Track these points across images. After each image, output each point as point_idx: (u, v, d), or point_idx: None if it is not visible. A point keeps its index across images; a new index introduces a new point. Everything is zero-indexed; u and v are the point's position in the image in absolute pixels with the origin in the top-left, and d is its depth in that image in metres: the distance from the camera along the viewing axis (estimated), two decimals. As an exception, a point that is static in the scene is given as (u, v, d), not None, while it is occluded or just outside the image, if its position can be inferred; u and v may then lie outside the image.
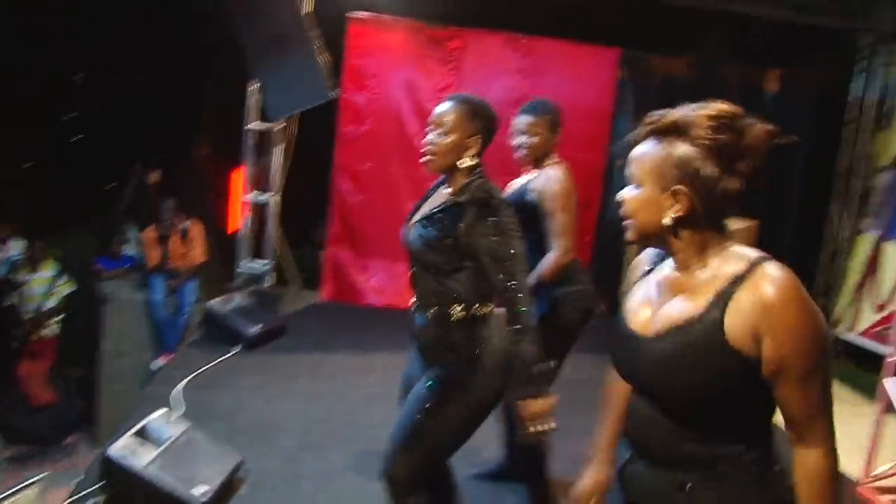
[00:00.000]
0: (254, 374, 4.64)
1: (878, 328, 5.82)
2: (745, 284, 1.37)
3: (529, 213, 2.95)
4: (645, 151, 1.47)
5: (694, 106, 1.43)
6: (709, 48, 6.85)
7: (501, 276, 2.19)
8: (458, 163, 2.31)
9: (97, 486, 3.05)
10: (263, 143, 6.44)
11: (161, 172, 7.07)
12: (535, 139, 3.08)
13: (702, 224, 1.45)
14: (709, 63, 6.77)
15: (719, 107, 1.40)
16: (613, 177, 6.69)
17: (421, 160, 2.34)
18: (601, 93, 6.39)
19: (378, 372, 4.87)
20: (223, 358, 4.82)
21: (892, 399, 3.60)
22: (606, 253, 6.36)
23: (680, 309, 1.46)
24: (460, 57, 6.24)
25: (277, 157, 6.41)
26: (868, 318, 6.09)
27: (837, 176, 6.92)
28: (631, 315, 1.57)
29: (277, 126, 6.29)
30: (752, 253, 1.43)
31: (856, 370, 5.78)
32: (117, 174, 7.73)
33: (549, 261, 3.00)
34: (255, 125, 6.32)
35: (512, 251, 2.20)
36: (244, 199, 6.47)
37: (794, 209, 6.90)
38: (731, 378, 1.39)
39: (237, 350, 4.96)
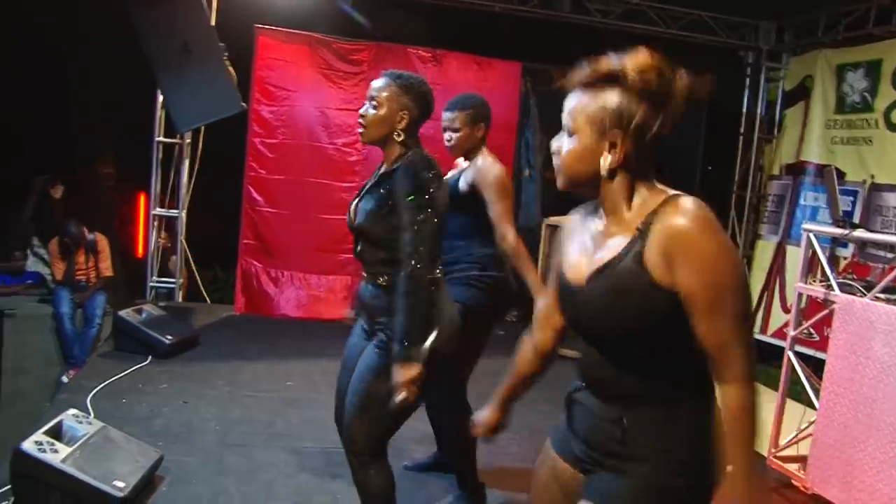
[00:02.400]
0: (169, 381, 4.57)
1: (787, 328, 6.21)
2: (659, 217, 1.42)
3: (461, 202, 3.03)
4: (578, 101, 1.49)
5: (618, 56, 1.45)
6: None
7: (409, 237, 2.26)
8: (392, 135, 2.41)
9: (7, 487, 2.94)
10: (171, 156, 6.37)
11: (65, 188, 6.86)
12: (458, 133, 3.16)
13: (633, 169, 1.49)
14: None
15: (645, 55, 1.44)
16: (521, 185, 6.94)
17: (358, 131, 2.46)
18: (506, 104, 6.63)
19: (295, 378, 4.89)
20: (136, 367, 4.73)
21: (793, 363, 3.88)
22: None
23: (604, 254, 1.51)
24: (369, 70, 6.36)
25: (186, 171, 6.36)
26: (779, 319, 6.46)
27: (734, 185, 7.38)
28: (568, 268, 1.61)
29: (185, 139, 6.24)
30: (670, 190, 1.49)
31: (767, 368, 6.13)
32: (17, 190, 7.44)
33: (508, 250, 3.05)
34: (162, 138, 6.24)
35: (425, 219, 2.27)
36: (152, 213, 6.37)
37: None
38: (659, 314, 1.43)
39: (149, 360, 4.87)
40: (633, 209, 1.49)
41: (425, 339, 2.27)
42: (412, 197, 2.28)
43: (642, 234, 1.44)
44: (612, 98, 1.45)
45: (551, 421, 1.82)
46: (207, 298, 6.62)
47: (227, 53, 5.44)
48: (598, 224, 1.58)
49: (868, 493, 3.28)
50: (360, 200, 2.47)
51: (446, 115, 3.19)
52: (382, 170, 2.46)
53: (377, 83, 2.43)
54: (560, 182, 1.56)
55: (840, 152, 6.39)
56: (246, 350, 5.39)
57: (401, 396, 2.24)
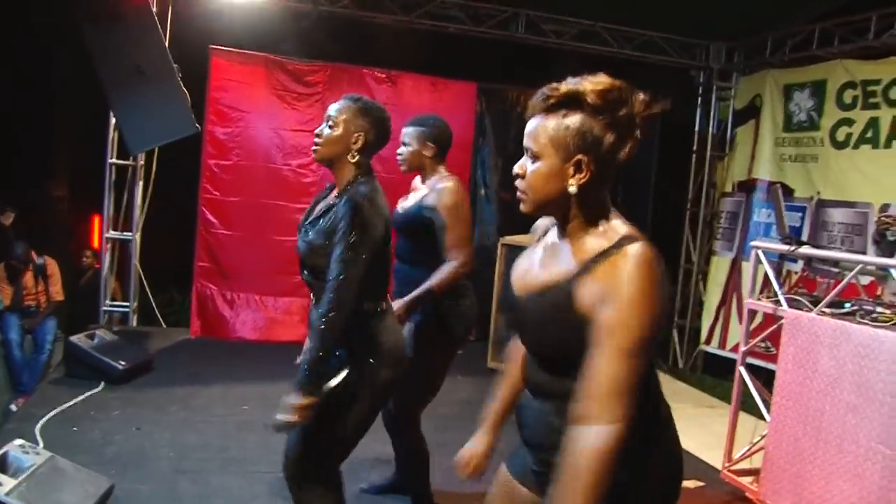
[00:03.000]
0: (122, 408, 4.48)
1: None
2: (607, 259, 1.45)
3: (427, 231, 3.02)
4: (541, 124, 1.51)
5: (578, 79, 1.47)
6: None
7: (338, 265, 2.24)
8: (346, 156, 2.41)
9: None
10: (124, 179, 6.28)
11: (15, 215, 6.71)
12: (408, 148, 3.16)
13: (595, 191, 1.51)
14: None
15: (604, 78, 1.46)
16: (477, 204, 6.98)
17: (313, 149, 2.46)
18: (462, 124, 6.65)
19: (251, 402, 4.82)
20: (88, 394, 4.63)
21: (744, 377, 3.94)
22: (473, 278, 6.56)
23: (548, 274, 1.55)
24: (324, 91, 6.37)
25: (139, 193, 6.27)
26: (737, 334, 6.48)
27: (687, 203, 7.52)
28: (515, 280, 1.66)
29: (139, 161, 6.16)
30: (626, 230, 1.50)
31: (722, 382, 6.22)
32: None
33: (446, 271, 3.00)
34: (115, 160, 6.16)
35: (354, 259, 2.25)
36: (105, 236, 6.27)
37: (647, 232, 7.42)
38: (582, 341, 1.43)
39: (102, 386, 4.77)
40: (590, 236, 1.52)
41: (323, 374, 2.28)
42: (347, 233, 2.26)
43: (585, 269, 1.47)
44: (574, 120, 1.47)
45: (505, 439, 1.82)
46: (162, 322, 6.51)
47: (180, 74, 5.40)
48: (553, 239, 1.61)
49: (817, 503, 3.34)
50: (304, 228, 2.47)
51: (404, 131, 3.19)
52: (332, 195, 2.46)
53: (335, 105, 2.46)
54: (525, 206, 1.57)
55: (789, 169, 6.56)
56: (201, 374, 5.32)
57: (283, 418, 2.23)
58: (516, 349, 1.86)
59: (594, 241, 1.50)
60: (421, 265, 3.05)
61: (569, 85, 1.48)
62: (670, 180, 7.63)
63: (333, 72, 6.42)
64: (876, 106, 5.73)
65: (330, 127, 2.42)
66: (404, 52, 6.73)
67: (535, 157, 1.52)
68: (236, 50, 6.18)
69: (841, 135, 6.04)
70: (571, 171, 1.48)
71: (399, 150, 3.20)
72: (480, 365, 5.57)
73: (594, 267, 1.45)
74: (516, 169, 1.57)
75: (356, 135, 2.41)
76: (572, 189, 1.49)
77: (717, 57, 7.24)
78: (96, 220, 6.61)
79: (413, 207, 3.13)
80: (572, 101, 1.47)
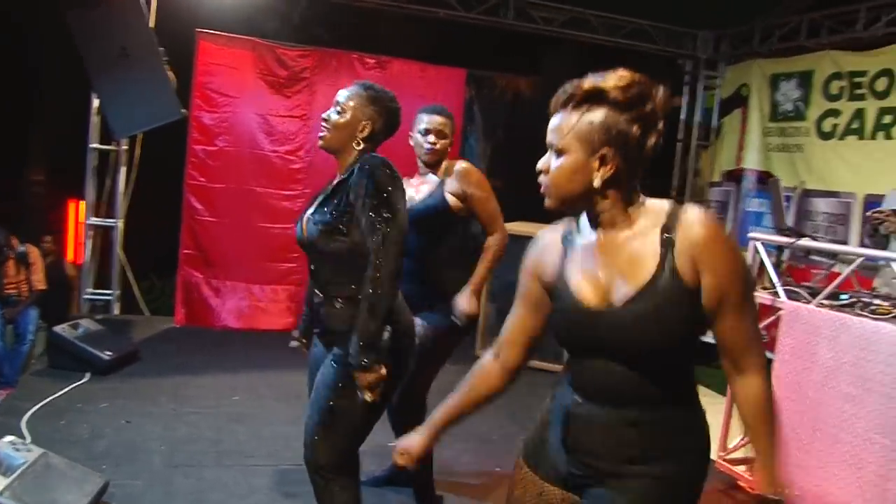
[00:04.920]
0: (110, 399, 4.38)
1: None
2: (678, 226, 1.48)
3: (440, 220, 3.01)
4: (565, 120, 1.52)
5: (601, 75, 1.50)
6: (551, 69, 7.33)
7: (371, 236, 2.20)
8: (352, 143, 2.37)
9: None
10: (107, 164, 6.15)
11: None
12: (446, 140, 3.11)
13: (624, 183, 1.52)
14: (551, 83, 7.21)
15: (626, 73, 1.49)
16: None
17: (319, 135, 2.41)
18: (451, 111, 6.57)
19: (241, 392, 4.78)
20: (74, 385, 4.54)
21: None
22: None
23: (633, 272, 1.51)
24: (312, 76, 6.28)
25: (122, 179, 6.15)
26: None
27: (672, 191, 7.53)
28: (577, 292, 1.58)
29: (122, 146, 6.04)
30: (666, 202, 1.55)
31: (718, 372, 6.26)
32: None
33: (496, 246, 3.07)
34: (97, 145, 6.03)
35: (387, 219, 2.20)
36: (87, 223, 6.14)
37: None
38: (694, 318, 1.49)
39: (88, 378, 4.68)
40: (636, 221, 1.54)
41: (379, 343, 2.21)
42: (372, 198, 2.21)
43: (668, 245, 1.49)
44: (597, 114, 1.49)
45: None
46: (146, 311, 6.41)
47: (166, 58, 5.29)
48: (592, 241, 1.59)
49: (815, 493, 3.38)
50: (311, 212, 2.39)
51: (432, 118, 3.11)
52: (337, 179, 2.39)
53: (345, 90, 2.41)
54: (549, 202, 1.57)
55: (775, 159, 6.62)
56: (189, 364, 5.24)
57: (368, 398, 2.21)
58: (493, 365, 1.81)
59: (650, 222, 1.53)
60: (424, 261, 3.01)
61: (592, 81, 1.50)
62: (652, 169, 7.63)
63: (322, 57, 6.31)
64: (862, 97, 5.79)
65: (338, 112, 2.37)
66: (394, 37, 6.67)
67: (560, 153, 1.53)
68: (223, 34, 6.06)
69: (827, 125, 6.10)
70: (596, 165, 1.50)
71: (431, 139, 3.09)
72: (469, 353, 5.58)
73: (673, 238, 1.49)
74: (540, 165, 1.57)
75: (364, 123, 2.37)
76: (596, 183, 1.50)
77: (705, 46, 7.26)
78: (72, 206, 6.44)
79: (433, 198, 3.05)
80: (596, 97, 1.49)
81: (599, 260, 1.57)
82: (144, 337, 5.80)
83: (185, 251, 6.20)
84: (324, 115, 2.40)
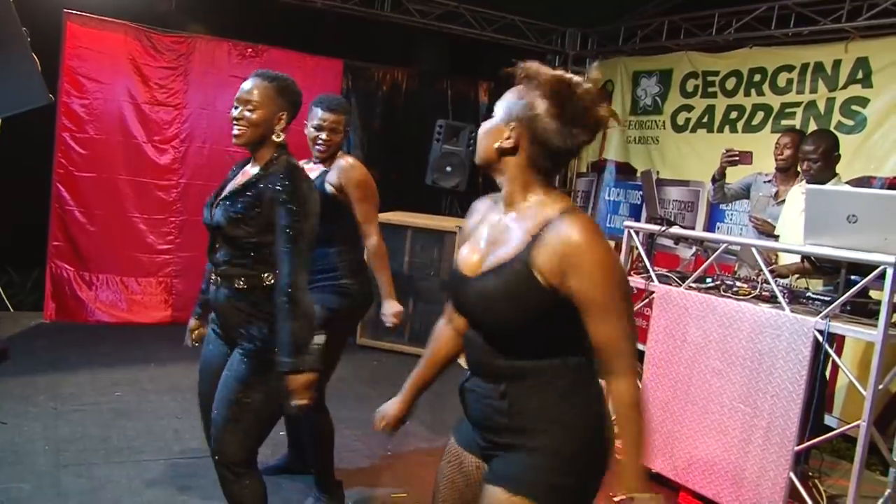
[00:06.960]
0: (-19, 401, 4.18)
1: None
2: (555, 227, 1.58)
3: (327, 206, 3.02)
4: (510, 91, 1.69)
5: (544, 65, 1.65)
6: (426, 61, 7.48)
7: (284, 245, 2.29)
8: (271, 137, 2.42)
9: None
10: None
11: None
12: (337, 137, 3.17)
13: (528, 165, 1.67)
14: (427, 75, 7.39)
15: (564, 73, 1.62)
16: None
17: (233, 133, 2.41)
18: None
19: (123, 387, 4.66)
20: (-62, 389, 4.28)
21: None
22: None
23: (499, 251, 1.67)
24: (187, 63, 6.14)
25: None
26: None
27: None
28: (461, 258, 1.77)
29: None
30: (566, 203, 1.66)
31: None
32: None
33: (373, 247, 3.20)
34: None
35: (301, 224, 2.31)
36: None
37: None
38: (542, 310, 1.60)
39: (-47, 379, 4.43)
40: (530, 206, 1.67)
41: (309, 345, 2.29)
42: (290, 207, 2.29)
43: (535, 240, 1.60)
44: (529, 94, 1.64)
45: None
46: (9, 306, 6.06)
47: (29, 39, 5.00)
48: (497, 216, 1.75)
49: (686, 460, 3.72)
50: (221, 199, 2.43)
51: (326, 115, 3.15)
52: (254, 171, 2.43)
53: (250, 84, 2.41)
54: (476, 157, 1.76)
55: (633, 150, 7.09)
56: (64, 360, 5.04)
57: (301, 403, 2.27)
58: (446, 329, 1.98)
59: (539, 213, 1.64)
60: (321, 245, 3.08)
61: (536, 67, 1.64)
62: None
63: (198, 44, 6.17)
64: (713, 95, 6.30)
65: (250, 110, 2.38)
66: (271, 26, 6.57)
67: (492, 116, 1.72)
68: (94, 16, 5.79)
69: (681, 119, 6.58)
70: (506, 133, 1.66)
71: (323, 136, 3.16)
72: (351, 342, 5.64)
73: (545, 237, 1.58)
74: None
75: (279, 115, 2.41)
76: (496, 145, 1.67)
77: (573, 43, 7.63)
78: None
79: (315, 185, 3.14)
80: (530, 79, 1.64)
81: (488, 233, 1.75)
82: (12, 333, 5.51)
83: (55, 243, 5.91)
84: (235, 115, 2.40)
